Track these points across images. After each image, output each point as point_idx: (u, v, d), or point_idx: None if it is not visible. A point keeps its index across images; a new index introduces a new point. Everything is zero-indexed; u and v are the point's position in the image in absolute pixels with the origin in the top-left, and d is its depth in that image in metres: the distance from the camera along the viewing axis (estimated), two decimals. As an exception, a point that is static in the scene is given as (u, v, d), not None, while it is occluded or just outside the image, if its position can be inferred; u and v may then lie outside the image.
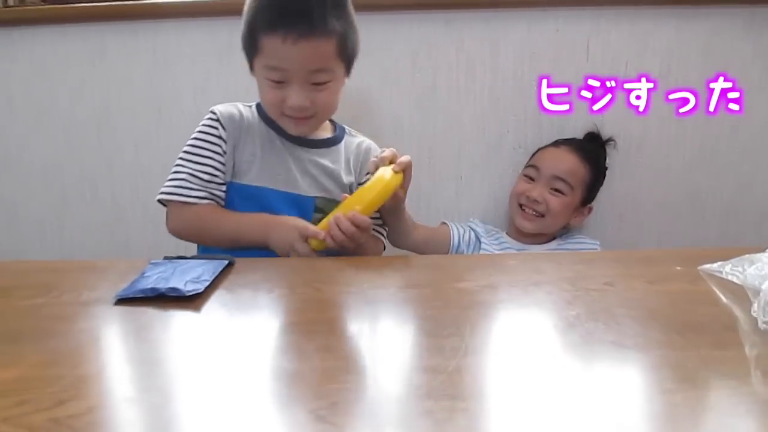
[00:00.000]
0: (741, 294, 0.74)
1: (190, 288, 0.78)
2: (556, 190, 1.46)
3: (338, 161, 1.18)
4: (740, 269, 0.78)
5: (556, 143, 1.55)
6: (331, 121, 1.24)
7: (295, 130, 1.12)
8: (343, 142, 1.21)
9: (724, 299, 0.75)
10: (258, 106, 1.19)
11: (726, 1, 1.48)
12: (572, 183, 1.46)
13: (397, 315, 0.75)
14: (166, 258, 0.91)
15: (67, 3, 1.66)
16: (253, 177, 1.12)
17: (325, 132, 1.21)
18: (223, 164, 1.11)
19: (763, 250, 0.82)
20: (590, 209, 1.57)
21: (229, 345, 0.66)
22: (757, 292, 0.69)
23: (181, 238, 1.13)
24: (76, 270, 0.91)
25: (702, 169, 1.60)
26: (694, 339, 0.65)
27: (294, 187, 1.13)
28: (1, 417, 0.51)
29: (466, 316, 0.73)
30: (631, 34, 1.53)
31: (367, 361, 0.63)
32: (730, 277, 0.79)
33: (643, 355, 0.62)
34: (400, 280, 0.85)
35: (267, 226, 1.04)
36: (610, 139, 1.58)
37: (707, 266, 0.84)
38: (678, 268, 0.86)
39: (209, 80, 1.59)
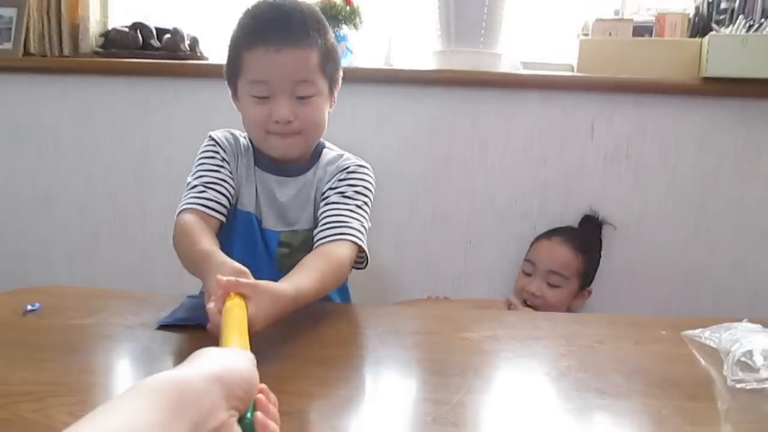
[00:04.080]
0: (716, 356, 0.83)
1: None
2: (553, 283, 1.55)
3: (309, 184, 1.09)
4: (717, 335, 0.86)
5: (549, 235, 1.63)
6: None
7: (280, 149, 1.04)
8: (316, 165, 1.11)
9: (701, 360, 0.84)
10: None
11: (721, 94, 1.61)
12: (567, 275, 1.55)
13: (408, 356, 0.84)
14: (201, 292, 1.01)
15: (117, 57, 1.82)
16: (242, 201, 1.09)
17: (303, 158, 1.10)
18: (231, 177, 1.06)
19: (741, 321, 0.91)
20: (589, 292, 1.65)
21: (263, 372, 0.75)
22: (728, 353, 0.78)
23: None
24: (119, 297, 1.01)
25: (697, 248, 1.70)
26: (671, 391, 0.74)
27: (262, 220, 1.09)
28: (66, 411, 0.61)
29: (470, 361, 0.82)
30: (633, 119, 1.66)
31: (380, 392, 0.72)
32: (708, 342, 0.87)
33: (624, 401, 0.71)
34: (413, 328, 0.94)
35: (206, 265, 0.85)
36: (604, 222, 1.68)
37: (690, 332, 0.92)
38: (663, 332, 0.95)
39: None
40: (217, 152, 1.08)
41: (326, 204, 1.05)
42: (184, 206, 1.01)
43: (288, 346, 0.83)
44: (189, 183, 1.05)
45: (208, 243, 0.92)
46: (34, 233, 1.86)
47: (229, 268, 0.80)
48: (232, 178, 1.07)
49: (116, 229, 1.83)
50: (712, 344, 0.86)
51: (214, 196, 1.03)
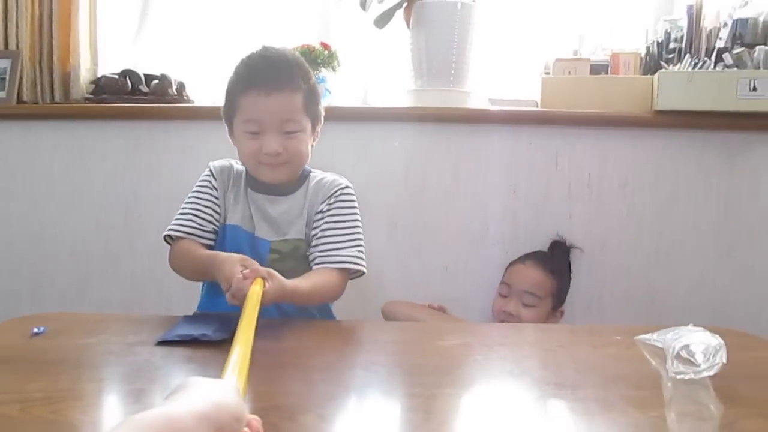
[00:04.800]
0: (662, 355, 0.92)
1: (219, 335, 0.96)
2: (528, 303, 1.64)
3: (300, 203, 1.25)
4: (663, 336, 0.96)
5: (523, 259, 1.73)
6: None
7: (270, 176, 1.20)
8: (305, 185, 1.27)
9: (649, 359, 0.93)
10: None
11: (672, 126, 1.74)
12: (540, 294, 1.65)
13: (387, 360, 0.93)
14: (195, 313, 1.09)
15: (107, 102, 1.92)
16: (232, 217, 1.24)
17: (291, 181, 1.26)
18: (216, 204, 1.23)
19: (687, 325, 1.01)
20: (562, 312, 1.74)
21: (258, 378, 0.83)
22: (669, 349, 0.88)
23: (176, 272, 1.21)
24: (118, 320, 1.09)
25: (657, 268, 1.81)
26: (619, 382, 0.83)
27: (254, 231, 1.23)
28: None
29: (443, 363, 0.91)
30: (594, 150, 1.78)
31: (361, 389, 0.81)
32: (655, 343, 0.97)
33: (577, 391, 0.80)
34: (394, 338, 1.03)
35: (215, 262, 1.07)
36: (572, 246, 1.79)
37: (641, 336, 1.02)
38: (618, 337, 1.04)
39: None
40: (209, 181, 1.26)
41: (322, 229, 1.20)
42: (176, 233, 1.20)
43: (278, 357, 0.91)
44: (183, 207, 1.24)
45: (207, 250, 1.17)
46: (26, 272, 1.92)
47: (235, 258, 1.04)
48: (217, 204, 1.24)
49: (107, 266, 1.90)
50: (659, 345, 0.96)
51: (200, 223, 1.21)
